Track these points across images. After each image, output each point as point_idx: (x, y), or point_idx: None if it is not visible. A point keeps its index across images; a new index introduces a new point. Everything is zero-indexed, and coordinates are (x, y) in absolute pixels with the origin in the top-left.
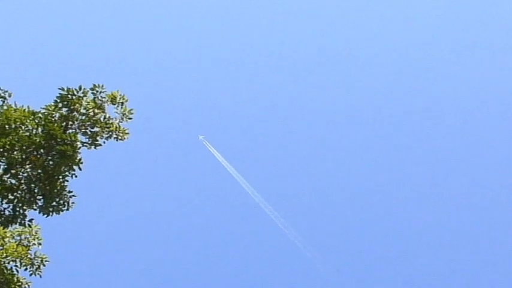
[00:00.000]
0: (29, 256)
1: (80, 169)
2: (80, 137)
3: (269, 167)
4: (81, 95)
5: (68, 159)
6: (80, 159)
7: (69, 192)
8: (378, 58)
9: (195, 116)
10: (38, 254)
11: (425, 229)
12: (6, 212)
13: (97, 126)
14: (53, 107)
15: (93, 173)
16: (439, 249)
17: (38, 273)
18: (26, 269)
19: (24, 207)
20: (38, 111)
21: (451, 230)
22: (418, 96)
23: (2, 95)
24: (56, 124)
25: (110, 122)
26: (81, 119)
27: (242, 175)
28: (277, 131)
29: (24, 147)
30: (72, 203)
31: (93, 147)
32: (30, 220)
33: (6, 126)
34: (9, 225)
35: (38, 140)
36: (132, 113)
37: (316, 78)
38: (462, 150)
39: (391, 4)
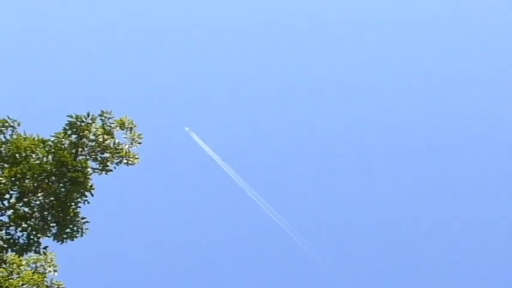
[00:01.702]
0: (45, 283)
1: (92, 195)
2: (90, 163)
3: (257, 157)
4: (90, 121)
5: (80, 186)
6: (91, 186)
7: (82, 218)
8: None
9: (183, 111)
10: (54, 281)
11: (430, 227)
12: (21, 240)
13: (107, 152)
14: (62, 135)
15: (105, 198)
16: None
17: None
18: None
19: (38, 235)
20: (47, 139)
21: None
22: (419, 99)
23: (11, 124)
24: (66, 151)
25: (120, 147)
26: (91, 146)
27: (230, 165)
28: (265, 121)
29: (35, 176)
30: (86, 229)
31: (104, 173)
32: (45, 247)
33: (17, 155)
34: (24, 253)
35: (49, 168)
36: (141, 138)
37: (300, 68)
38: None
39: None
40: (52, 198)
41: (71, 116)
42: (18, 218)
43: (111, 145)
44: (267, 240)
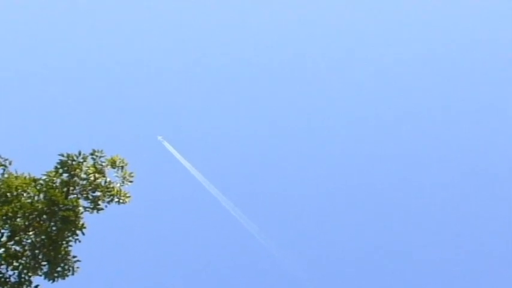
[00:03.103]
0: None
1: (83, 234)
2: (81, 202)
3: (229, 164)
4: (81, 160)
5: (71, 225)
6: (82, 224)
7: (74, 257)
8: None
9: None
10: None
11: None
12: (12, 279)
13: (98, 191)
14: (53, 173)
15: (96, 236)
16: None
17: None
18: None
19: (30, 274)
20: (39, 177)
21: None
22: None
23: (3, 163)
24: (57, 190)
25: (111, 186)
26: (82, 184)
27: (202, 173)
28: (236, 129)
29: (26, 214)
30: (77, 267)
31: (95, 211)
32: (36, 286)
33: (8, 194)
34: None
35: (40, 207)
36: (132, 176)
37: (267, 72)
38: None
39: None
40: (43, 237)
41: (63, 155)
42: (9, 257)
43: (103, 184)
44: (244, 251)
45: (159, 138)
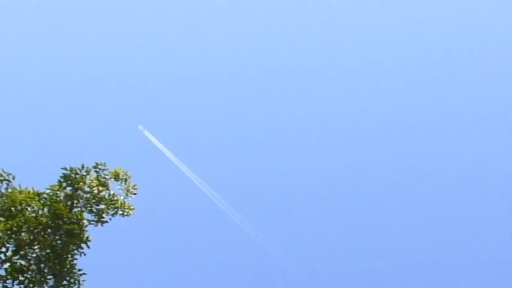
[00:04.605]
0: None
1: (88, 247)
2: (86, 215)
3: (212, 153)
4: (85, 173)
5: (76, 238)
6: (87, 237)
7: (79, 270)
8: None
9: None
10: None
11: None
12: None
13: (102, 204)
14: (57, 187)
15: (101, 249)
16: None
17: None
18: None
19: None
20: (42, 191)
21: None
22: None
23: (6, 178)
24: (61, 204)
25: (115, 198)
26: (86, 197)
27: (185, 163)
28: (219, 117)
29: (31, 228)
30: (83, 280)
31: (99, 224)
32: None
33: (12, 208)
34: None
35: (44, 221)
36: (136, 189)
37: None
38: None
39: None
40: (48, 251)
41: (66, 169)
42: (15, 271)
43: (106, 196)
44: (230, 242)
45: (140, 127)
